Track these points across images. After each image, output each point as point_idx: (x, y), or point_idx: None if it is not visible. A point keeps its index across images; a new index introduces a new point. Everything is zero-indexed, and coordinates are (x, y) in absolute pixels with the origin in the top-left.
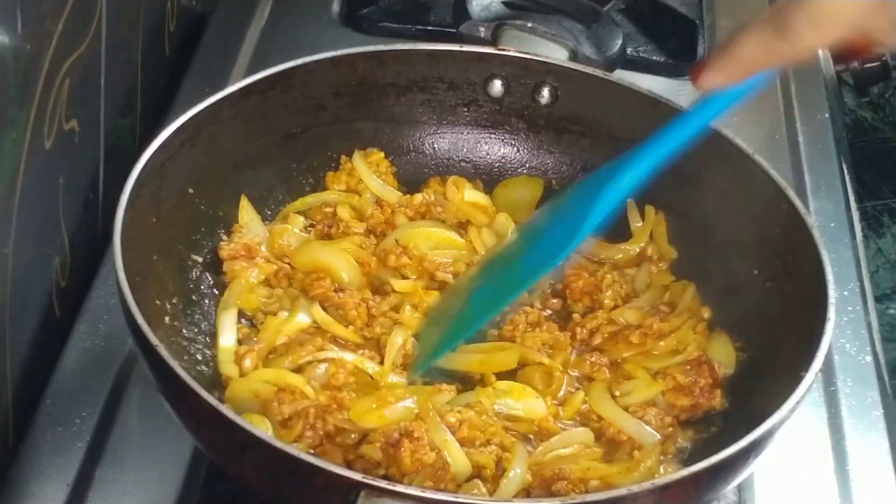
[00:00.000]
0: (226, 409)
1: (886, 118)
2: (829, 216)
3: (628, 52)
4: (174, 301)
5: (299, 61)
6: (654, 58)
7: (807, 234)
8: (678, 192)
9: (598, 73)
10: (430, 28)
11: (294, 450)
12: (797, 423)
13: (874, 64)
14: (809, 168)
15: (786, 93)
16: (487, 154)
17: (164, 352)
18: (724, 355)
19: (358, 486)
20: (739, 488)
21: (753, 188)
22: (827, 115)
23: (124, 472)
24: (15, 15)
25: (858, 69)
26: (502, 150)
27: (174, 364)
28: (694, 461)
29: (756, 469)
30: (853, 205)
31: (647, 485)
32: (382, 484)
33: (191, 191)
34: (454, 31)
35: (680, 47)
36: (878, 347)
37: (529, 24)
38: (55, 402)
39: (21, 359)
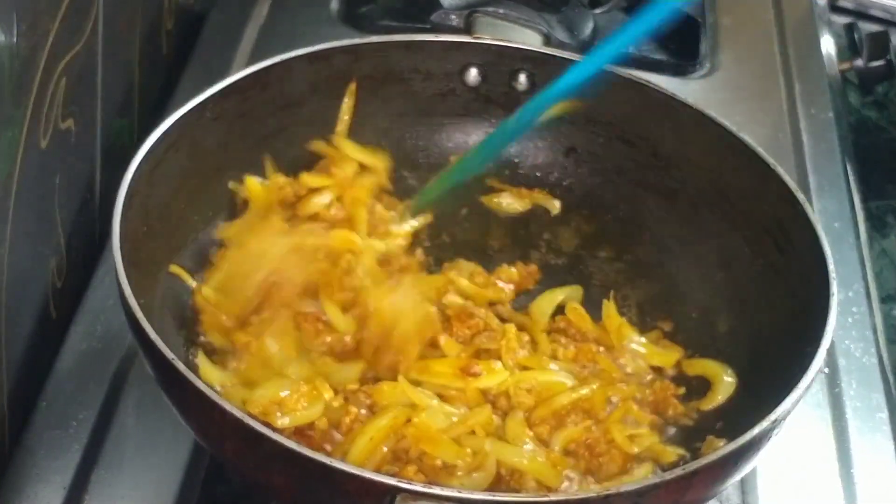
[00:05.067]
0: (253, 421)
1: (891, 118)
2: (833, 216)
3: (630, 50)
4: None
5: (276, 59)
6: (655, 56)
7: (801, 213)
8: (662, 173)
9: (575, 56)
10: (429, 26)
11: (326, 458)
12: (801, 425)
13: (879, 63)
14: (813, 168)
15: (789, 92)
16: (466, 143)
17: (180, 365)
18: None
19: (393, 491)
20: (743, 491)
21: (741, 166)
22: (831, 115)
23: (122, 475)
24: (11, 13)
25: (863, 68)
26: (481, 139)
27: (197, 381)
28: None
29: (760, 471)
30: (857, 205)
31: (652, 479)
32: (419, 487)
33: (178, 195)
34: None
35: (682, 46)
36: (883, 349)
37: (501, 11)
38: (51, 404)
39: (17, 361)
